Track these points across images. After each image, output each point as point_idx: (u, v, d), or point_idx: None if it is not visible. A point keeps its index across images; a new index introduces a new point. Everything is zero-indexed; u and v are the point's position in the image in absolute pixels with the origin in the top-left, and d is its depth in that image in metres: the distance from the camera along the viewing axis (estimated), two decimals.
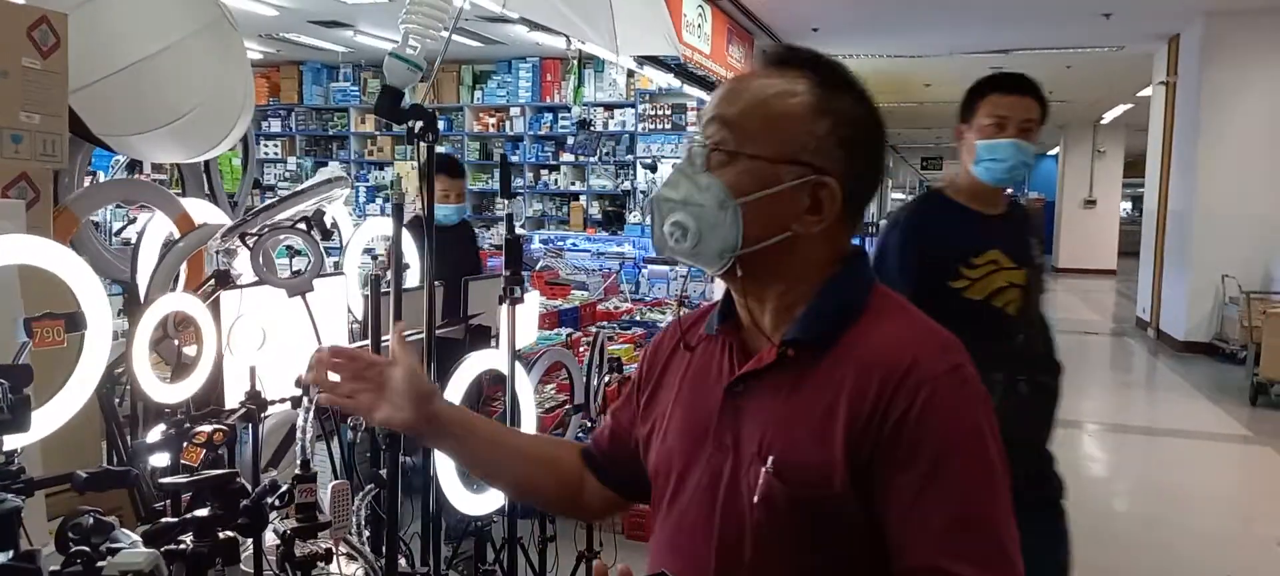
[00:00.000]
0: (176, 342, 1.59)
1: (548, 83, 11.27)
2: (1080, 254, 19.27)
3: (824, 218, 0.97)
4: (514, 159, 11.33)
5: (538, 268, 8.08)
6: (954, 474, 0.89)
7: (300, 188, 1.82)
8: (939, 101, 16.48)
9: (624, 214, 10.49)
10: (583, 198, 11.20)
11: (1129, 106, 15.42)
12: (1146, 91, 11.45)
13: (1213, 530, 4.45)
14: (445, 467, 1.75)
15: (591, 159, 11.11)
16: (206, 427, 1.24)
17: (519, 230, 8.97)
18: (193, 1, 2.36)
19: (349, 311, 2.39)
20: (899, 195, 32.27)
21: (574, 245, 9.42)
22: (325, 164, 12.01)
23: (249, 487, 1.10)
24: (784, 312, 1.00)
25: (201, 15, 2.34)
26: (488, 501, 1.90)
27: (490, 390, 2.91)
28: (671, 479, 1.05)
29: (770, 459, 0.94)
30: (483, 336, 2.40)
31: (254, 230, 1.61)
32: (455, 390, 1.83)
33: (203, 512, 1.03)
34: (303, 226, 1.66)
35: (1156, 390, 8.36)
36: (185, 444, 1.27)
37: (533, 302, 2.53)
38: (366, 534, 1.54)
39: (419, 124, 1.59)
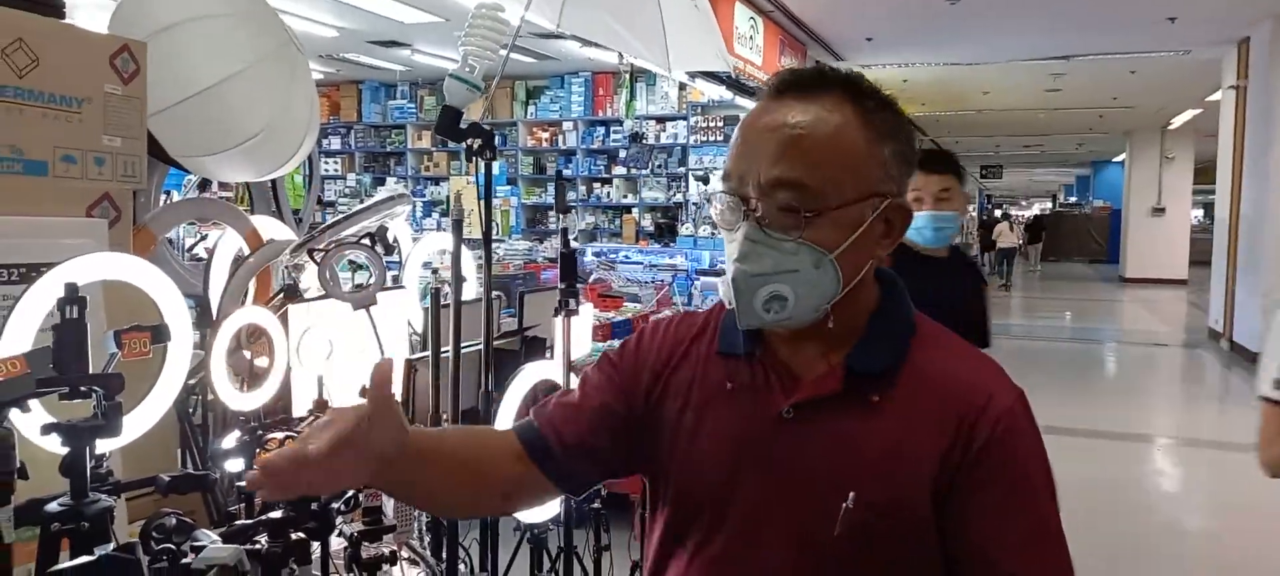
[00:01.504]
0: (248, 354, 1.67)
1: (600, 97, 11.38)
2: (1148, 263, 18.71)
3: (894, 237, 0.98)
4: (567, 172, 11.46)
5: (591, 280, 8.16)
6: (1031, 494, 0.95)
7: (364, 205, 1.89)
8: (999, 109, 16.21)
9: (676, 226, 10.51)
10: (635, 210, 11.26)
11: (1198, 111, 14.97)
12: (1216, 95, 11.10)
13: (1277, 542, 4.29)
14: None
15: (643, 172, 11.17)
16: (278, 435, 1.30)
17: (573, 243, 9.07)
18: (262, 28, 2.47)
19: (408, 325, 2.46)
20: None
21: (626, 258, 9.45)
22: (383, 180, 12.30)
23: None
24: (841, 338, 0.98)
25: (270, 41, 2.44)
26: (544, 510, 1.93)
27: (544, 402, 2.96)
28: (707, 503, 1.01)
29: (852, 494, 0.93)
30: (538, 348, 2.45)
31: (321, 246, 1.68)
32: (512, 399, 1.87)
33: (276, 515, 1.08)
34: (366, 242, 1.72)
35: (1229, 403, 8.07)
36: (258, 449, 1.33)
37: (587, 314, 2.57)
38: (427, 539, 1.58)
39: (477, 142, 1.64)
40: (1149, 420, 6.77)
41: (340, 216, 1.79)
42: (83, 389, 0.89)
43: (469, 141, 1.64)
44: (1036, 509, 0.95)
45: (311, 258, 1.68)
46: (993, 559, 0.93)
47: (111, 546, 0.90)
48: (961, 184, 2.56)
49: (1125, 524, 4.55)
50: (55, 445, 1.06)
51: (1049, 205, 37.56)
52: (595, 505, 2.40)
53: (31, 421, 1.01)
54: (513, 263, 7.76)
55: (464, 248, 2.67)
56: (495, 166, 8.04)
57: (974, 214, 31.99)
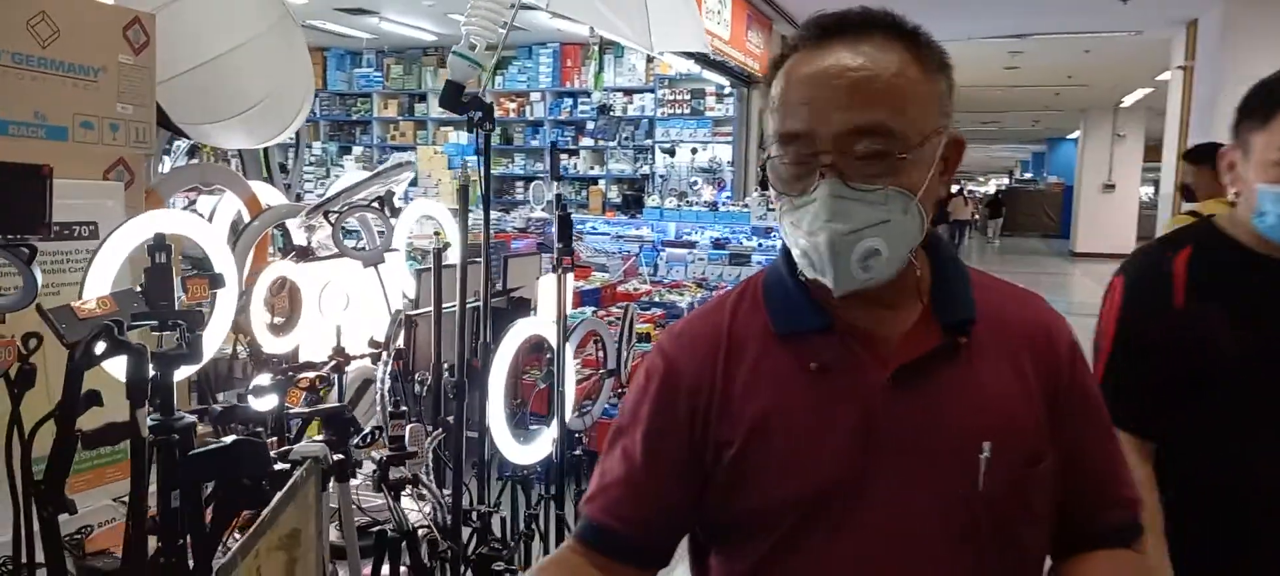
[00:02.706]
0: (272, 304, 1.82)
1: (567, 68, 11.45)
2: (1098, 238, 19.28)
3: (950, 174, 0.96)
4: (533, 143, 11.54)
5: None
6: (1105, 416, 1.03)
7: (373, 172, 2.03)
8: (959, 85, 16.41)
9: (643, 197, 10.69)
10: (602, 182, 11.39)
11: (1149, 90, 15.43)
12: (1165, 75, 11.50)
13: None
14: (496, 419, 1.97)
15: (611, 144, 11.30)
16: (309, 375, 1.46)
17: (540, 213, 9.22)
18: (261, 1, 2.58)
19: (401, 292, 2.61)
20: None
21: (593, 228, 9.59)
22: (349, 149, 12.27)
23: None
24: (908, 290, 0.95)
25: (269, 14, 2.55)
26: (533, 452, 2.11)
27: (527, 361, 3.14)
28: (828, 502, 0.91)
29: (987, 444, 0.90)
30: (523, 307, 2.62)
31: (336, 208, 1.83)
32: (505, 353, 2.04)
33: (319, 438, 1.25)
34: (376, 205, 1.88)
35: None
36: (289, 388, 1.49)
37: (569, 278, 2.75)
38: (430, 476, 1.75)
39: (478, 114, 1.80)
40: None
41: (355, 182, 1.94)
42: (170, 323, 1.05)
43: (471, 114, 1.79)
44: (1112, 430, 1.03)
45: (326, 219, 1.83)
46: (1111, 479, 1.01)
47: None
48: None
49: None
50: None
51: (1006, 181, 38.32)
52: (576, 453, 2.58)
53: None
54: (482, 231, 7.88)
55: (447, 212, 2.83)
56: (464, 137, 8.15)
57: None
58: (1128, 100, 17.42)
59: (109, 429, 1.17)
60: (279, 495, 0.87)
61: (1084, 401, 1.00)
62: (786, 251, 0.98)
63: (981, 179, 45.84)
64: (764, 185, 1.02)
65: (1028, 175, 34.20)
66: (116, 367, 1.11)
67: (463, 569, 1.60)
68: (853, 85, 0.88)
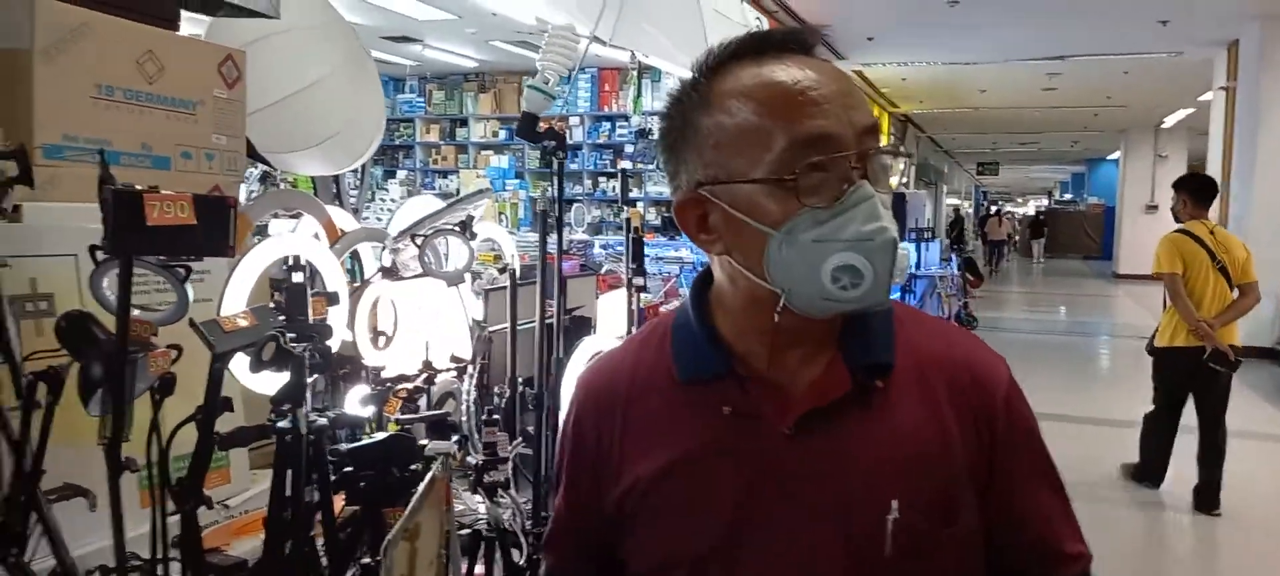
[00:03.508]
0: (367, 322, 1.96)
1: (606, 92, 11.64)
2: (1141, 260, 18.94)
3: None
4: (573, 166, 11.73)
5: (603, 271, 8.44)
6: (1052, 467, 0.94)
7: (455, 199, 2.17)
8: (996, 107, 16.50)
9: None
10: (640, 204, 11.53)
11: (1191, 111, 15.29)
12: (1207, 96, 11.41)
13: (1274, 525, 4.61)
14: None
15: (649, 166, 11.45)
16: (407, 386, 1.58)
17: (580, 235, 9.37)
18: (336, 38, 2.75)
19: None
20: (954, 200, 32.11)
21: None
22: (393, 173, 12.55)
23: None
24: (821, 334, 0.88)
25: (344, 49, 2.72)
26: None
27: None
28: (713, 558, 0.86)
29: (894, 503, 0.83)
30: (583, 325, 2.74)
31: (423, 232, 1.96)
32: (574, 367, 2.15)
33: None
34: (457, 229, 2.00)
35: None
36: (388, 397, 1.62)
37: (621, 297, 2.86)
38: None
39: (552, 143, 1.92)
40: (1136, 409, 7.10)
41: (440, 208, 2.07)
42: (306, 334, 1.17)
43: (545, 143, 1.92)
44: (1055, 479, 0.93)
45: (413, 242, 1.96)
46: (1055, 536, 0.91)
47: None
48: None
49: (1113, 501, 4.85)
50: (253, 380, 1.35)
51: (1045, 202, 37.96)
52: None
53: (238, 366, 1.30)
54: (528, 253, 8.05)
55: (506, 235, 2.96)
56: (504, 160, 8.36)
57: (969, 209, 32.36)
58: (1169, 121, 17.25)
59: (241, 432, 1.29)
60: (422, 486, 0.98)
61: (1023, 452, 0.91)
62: (697, 293, 0.93)
63: (1020, 200, 45.46)
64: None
65: (1067, 196, 33.85)
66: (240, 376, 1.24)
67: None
68: (849, 86, 0.83)
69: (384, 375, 1.73)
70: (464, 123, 12.46)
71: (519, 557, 1.56)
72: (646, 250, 10.36)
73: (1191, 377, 4.51)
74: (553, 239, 2.14)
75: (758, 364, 0.88)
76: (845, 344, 0.88)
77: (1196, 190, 4.64)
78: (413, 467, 1.09)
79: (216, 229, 1.07)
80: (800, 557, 0.85)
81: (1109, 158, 25.06)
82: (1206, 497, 4.63)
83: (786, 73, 0.82)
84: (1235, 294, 4.45)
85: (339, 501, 1.37)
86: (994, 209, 26.76)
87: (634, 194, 11.62)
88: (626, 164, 11.48)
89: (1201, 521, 4.69)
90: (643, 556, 0.92)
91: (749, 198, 0.82)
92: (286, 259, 1.19)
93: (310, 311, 1.21)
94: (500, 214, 10.08)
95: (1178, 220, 4.67)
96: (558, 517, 1.02)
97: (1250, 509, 4.83)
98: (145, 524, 1.42)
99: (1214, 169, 10.50)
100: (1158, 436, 4.95)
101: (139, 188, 1.02)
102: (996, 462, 0.88)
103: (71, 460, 1.54)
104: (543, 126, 2.08)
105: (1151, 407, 5.00)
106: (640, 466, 0.90)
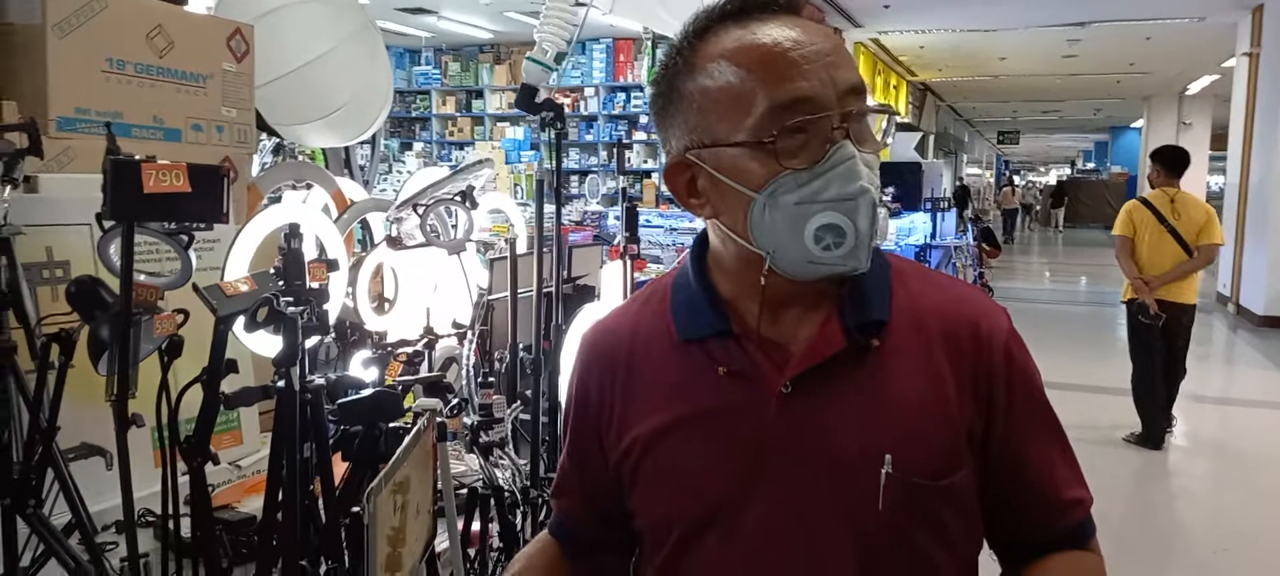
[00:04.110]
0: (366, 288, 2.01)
1: (620, 63, 11.62)
2: None
3: None
4: (588, 138, 11.75)
5: (615, 242, 8.47)
6: (1052, 415, 0.94)
7: (456, 169, 2.21)
8: (1015, 75, 16.32)
9: None
10: (655, 175, 11.53)
11: (1216, 78, 15.04)
12: (1231, 62, 11.23)
13: (1272, 490, 4.61)
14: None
15: None
16: (407, 349, 1.64)
17: (595, 206, 9.40)
18: (344, 11, 2.79)
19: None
20: (975, 170, 31.80)
21: (647, 222, 9.70)
22: (410, 145, 12.62)
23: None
24: (818, 293, 0.88)
25: (352, 23, 2.76)
26: None
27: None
28: (714, 520, 0.89)
29: (889, 457, 0.84)
30: (587, 293, 2.79)
31: (424, 202, 2.01)
32: (574, 334, 2.20)
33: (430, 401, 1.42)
34: (459, 199, 2.05)
35: (1234, 364, 8.33)
36: (390, 360, 1.68)
37: (625, 267, 2.91)
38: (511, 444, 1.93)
39: (551, 115, 1.96)
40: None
41: (440, 178, 2.12)
42: (303, 298, 1.23)
43: (544, 114, 1.95)
44: (1058, 430, 0.94)
45: (415, 211, 2.01)
46: (1056, 483, 0.92)
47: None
48: None
49: (1133, 469, 4.88)
50: (259, 344, 1.41)
51: (1067, 171, 37.51)
52: None
53: (241, 329, 1.35)
54: (553, 223, 8.09)
55: (516, 208, 3.00)
56: (520, 132, 8.42)
57: (991, 179, 32.07)
58: (1193, 88, 16.97)
59: (246, 392, 1.35)
60: (408, 439, 1.04)
61: (1022, 402, 0.91)
62: (697, 253, 0.94)
63: (1043, 169, 44.96)
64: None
65: (1090, 165, 33.43)
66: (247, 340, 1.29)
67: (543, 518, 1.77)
68: (834, 45, 0.82)
69: (388, 340, 1.80)
70: (480, 94, 12.49)
71: (515, 515, 1.62)
72: (660, 221, 10.32)
73: (1149, 326, 4.86)
74: (561, 208, 2.16)
75: (754, 323, 0.88)
76: (841, 301, 0.88)
77: (1170, 161, 4.99)
78: (402, 424, 1.15)
79: (210, 196, 1.12)
80: (797, 515, 0.86)
81: (1133, 126, 24.72)
82: (1149, 436, 5.00)
83: (768, 34, 0.82)
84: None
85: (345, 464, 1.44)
86: (1017, 178, 26.56)
87: (649, 165, 11.65)
88: (641, 134, 11.49)
89: (1210, 487, 4.71)
90: (645, 513, 0.94)
91: (733, 161, 0.83)
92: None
93: (308, 276, 1.26)
94: (515, 185, 10.12)
95: (1152, 187, 5.07)
96: (563, 470, 1.05)
97: (1269, 478, 4.84)
98: (159, 483, 1.49)
99: (1236, 136, 10.36)
100: (1143, 393, 5.03)
101: (138, 157, 1.07)
102: (994, 414, 0.88)
103: (91, 421, 1.61)
104: (546, 96, 2.11)
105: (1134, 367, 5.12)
106: (639, 425, 0.92)
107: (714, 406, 0.88)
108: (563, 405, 1.11)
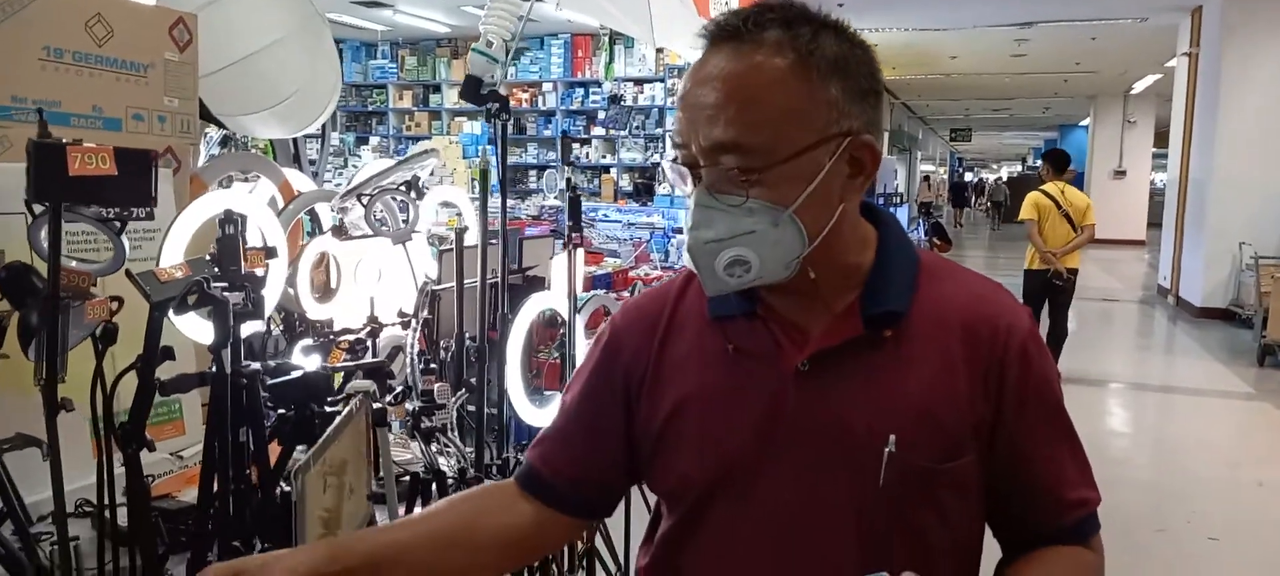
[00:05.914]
0: (312, 277, 2.01)
1: (579, 58, 11.62)
2: (1110, 225, 19.23)
3: (867, 174, 0.92)
4: (546, 133, 11.74)
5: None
6: (1063, 416, 0.98)
7: (401, 159, 2.22)
8: (967, 73, 16.63)
9: (654, 186, 10.85)
10: (613, 170, 11.56)
11: (1159, 77, 15.46)
12: (1173, 62, 11.57)
13: (1204, 473, 4.79)
14: (514, 382, 2.15)
15: (622, 133, 11.47)
16: (349, 337, 1.65)
17: (552, 200, 9.41)
18: (289, 3, 2.77)
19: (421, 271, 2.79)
20: (929, 167, 32.31)
21: (605, 216, 9.74)
22: (366, 139, 12.49)
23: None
24: (843, 284, 0.94)
25: (299, 13, 2.74)
26: (546, 415, 2.30)
27: (541, 340, 3.32)
28: (727, 482, 0.95)
29: (893, 437, 0.89)
30: (537, 284, 2.81)
31: (368, 192, 2.02)
32: (520, 325, 2.22)
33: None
34: (403, 189, 2.06)
35: (1173, 354, 8.62)
36: (332, 348, 1.68)
37: (579, 259, 2.93)
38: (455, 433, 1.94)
39: (495, 105, 1.98)
40: (1100, 367, 7.39)
41: (386, 168, 2.13)
42: (238, 284, 1.23)
43: (489, 105, 1.97)
44: (1070, 431, 0.98)
45: (359, 202, 2.02)
46: (1060, 482, 0.96)
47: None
48: None
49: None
50: (197, 331, 1.40)
51: (1019, 168, 38.29)
52: None
53: (188, 319, 1.35)
54: (494, 217, 8.09)
55: (470, 201, 3.01)
56: (478, 126, 8.37)
57: (944, 176, 32.60)
58: (1138, 87, 17.44)
59: (182, 378, 1.35)
60: (339, 419, 1.05)
61: (1034, 401, 0.95)
62: None
63: (995, 166, 45.83)
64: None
65: (1038, 162, 34.09)
66: (184, 328, 1.29)
67: None
68: (717, 100, 0.87)
69: (333, 330, 1.80)
70: (437, 89, 12.40)
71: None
72: (618, 216, 10.31)
73: (1045, 288, 6.33)
74: (512, 201, 2.17)
75: (780, 306, 0.95)
76: (868, 290, 0.94)
77: (1055, 161, 6.75)
78: (334, 407, 1.16)
79: (138, 180, 1.12)
80: (804, 485, 0.92)
81: (1081, 124, 25.30)
82: None
83: (693, 74, 0.90)
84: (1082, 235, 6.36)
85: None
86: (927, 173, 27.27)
87: (607, 160, 11.68)
88: (600, 131, 11.51)
89: (1149, 471, 4.87)
90: (666, 477, 0.99)
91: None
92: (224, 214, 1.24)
93: (244, 262, 1.27)
94: (472, 179, 10.08)
95: (1042, 181, 6.68)
96: (555, 424, 1.08)
97: (1201, 462, 5.02)
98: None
99: (1176, 134, 10.69)
100: None
101: (64, 141, 1.08)
102: (1003, 408, 0.93)
103: (26, 411, 1.59)
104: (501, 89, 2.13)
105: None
106: (666, 397, 0.98)
107: (730, 382, 0.95)
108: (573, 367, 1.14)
